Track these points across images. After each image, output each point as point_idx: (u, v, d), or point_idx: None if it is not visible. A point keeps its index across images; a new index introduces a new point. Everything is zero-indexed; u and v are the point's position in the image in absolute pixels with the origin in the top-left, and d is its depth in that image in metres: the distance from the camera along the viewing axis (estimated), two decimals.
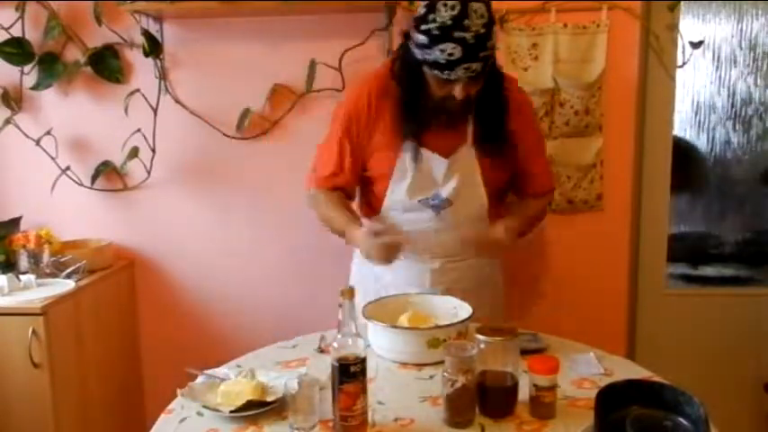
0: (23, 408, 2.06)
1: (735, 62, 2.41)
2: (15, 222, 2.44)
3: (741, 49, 2.40)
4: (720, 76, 2.42)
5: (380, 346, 1.55)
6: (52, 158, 2.42)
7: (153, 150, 2.43)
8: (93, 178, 2.45)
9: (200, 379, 1.44)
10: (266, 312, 2.52)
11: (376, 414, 1.29)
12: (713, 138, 2.47)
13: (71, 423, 2.15)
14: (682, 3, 2.28)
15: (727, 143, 2.47)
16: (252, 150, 2.43)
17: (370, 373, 1.26)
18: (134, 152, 2.40)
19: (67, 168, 2.43)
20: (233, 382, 1.37)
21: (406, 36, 1.61)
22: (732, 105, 2.44)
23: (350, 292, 1.21)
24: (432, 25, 1.50)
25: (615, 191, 2.33)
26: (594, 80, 2.24)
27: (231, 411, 1.28)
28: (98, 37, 2.37)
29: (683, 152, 2.45)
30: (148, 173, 2.46)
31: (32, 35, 2.35)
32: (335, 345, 1.21)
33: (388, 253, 1.63)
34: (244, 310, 2.54)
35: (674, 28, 2.28)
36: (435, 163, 1.71)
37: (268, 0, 2.18)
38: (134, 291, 2.56)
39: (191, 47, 2.39)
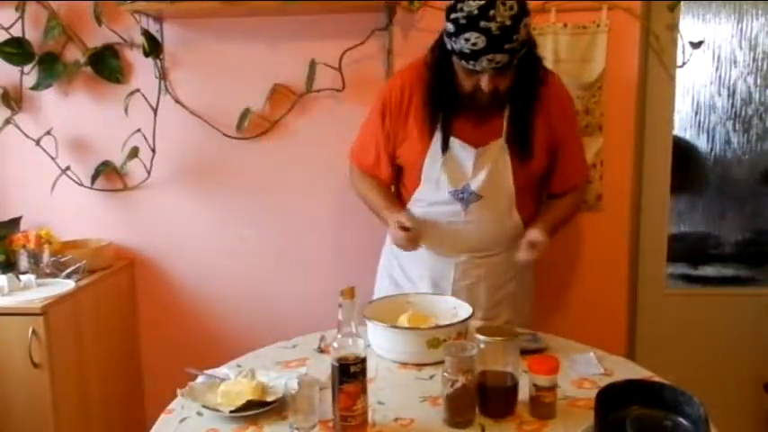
0: (23, 408, 2.05)
1: (735, 62, 2.40)
2: (15, 222, 2.44)
3: (741, 49, 2.39)
4: (720, 76, 2.42)
5: (380, 346, 1.56)
6: (52, 158, 2.42)
7: (153, 150, 2.43)
8: (93, 178, 2.45)
9: (200, 379, 1.44)
10: (266, 312, 2.52)
11: (376, 414, 1.29)
12: (713, 138, 2.46)
13: (71, 423, 2.15)
14: (682, 3, 2.28)
15: (727, 143, 2.46)
16: (252, 150, 2.43)
17: (370, 373, 1.26)
18: (134, 152, 2.40)
19: (67, 168, 2.43)
20: (233, 382, 1.37)
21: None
22: (732, 105, 2.44)
23: (350, 292, 1.21)
24: (459, 14, 1.51)
25: (615, 191, 2.33)
26: (594, 80, 2.23)
27: (231, 411, 1.28)
28: (98, 37, 2.37)
29: (683, 152, 2.44)
30: (148, 173, 2.46)
31: (32, 35, 2.35)
32: (335, 345, 1.21)
33: (408, 242, 1.73)
34: (244, 310, 2.54)
35: (674, 28, 2.28)
36: (463, 153, 1.72)
37: (268, 0, 2.18)
38: (134, 291, 2.56)
39: (191, 47, 2.39)
